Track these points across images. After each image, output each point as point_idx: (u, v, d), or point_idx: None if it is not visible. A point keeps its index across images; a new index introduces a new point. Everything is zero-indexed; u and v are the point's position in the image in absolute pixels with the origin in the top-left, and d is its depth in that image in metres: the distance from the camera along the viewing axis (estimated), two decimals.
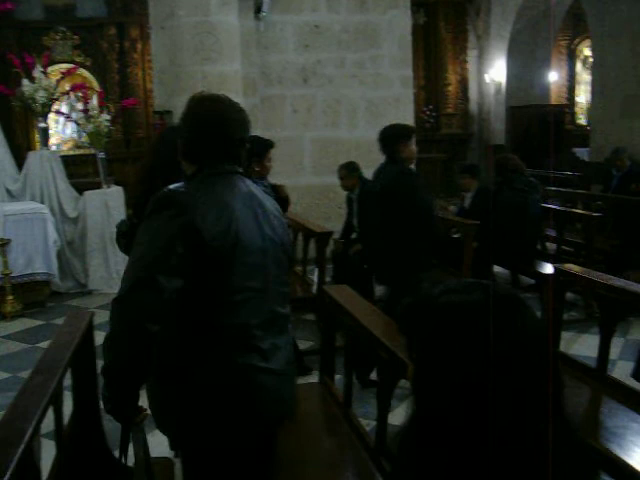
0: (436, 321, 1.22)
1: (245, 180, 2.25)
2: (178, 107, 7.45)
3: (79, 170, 10.56)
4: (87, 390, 3.12)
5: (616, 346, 3.82)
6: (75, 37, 12.18)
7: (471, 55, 14.73)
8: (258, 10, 8.18)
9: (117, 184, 8.47)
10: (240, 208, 2.11)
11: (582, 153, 12.98)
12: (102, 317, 3.68)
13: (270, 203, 2.30)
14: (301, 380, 4.28)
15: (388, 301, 4.72)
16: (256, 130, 8.03)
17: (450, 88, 14.65)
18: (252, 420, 2.11)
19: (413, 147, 4.72)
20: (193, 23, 7.44)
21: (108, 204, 7.77)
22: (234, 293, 2.06)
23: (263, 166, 4.57)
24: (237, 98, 7.57)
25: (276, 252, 2.20)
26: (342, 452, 2.86)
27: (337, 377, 3.70)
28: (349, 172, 6.49)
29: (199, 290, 2.03)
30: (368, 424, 3.60)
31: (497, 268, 7.06)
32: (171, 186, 2.13)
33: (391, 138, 4.74)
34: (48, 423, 2.54)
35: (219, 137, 2.19)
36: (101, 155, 8.11)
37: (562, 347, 4.31)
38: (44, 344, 5.32)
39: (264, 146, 4.65)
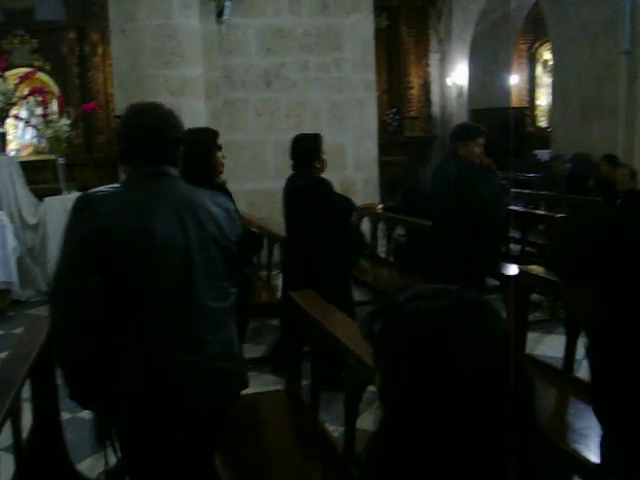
0: (403, 329, 1.19)
1: (175, 181, 2.32)
2: None
3: (39, 176, 10.36)
4: (47, 402, 3.04)
5: (581, 346, 3.83)
6: (34, 41, 12.00)
7: (433, 58, 14.81)
8: (220, 13, 8.12)
9: (78, 190, 8.33)
10: (160, 209, 2.20)
11: (543, 155, 13.13)
12: None
13: (208, 202, 2.34)
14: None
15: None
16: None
17: (413, 91, 14.71)
18: (168, 410, 2.17)
19: (472, 148, 5.03)
20: (154, 26, 7.35)
21: (69, 210, 7.62)
22: (151, 290, 2.15)
23: (322, 161, 4.81)
24: (199, 102, 7.59)
25: (206, 250, 2.24)
26: (310, 460, 2.82)
27: (303, 383, 3.67)
28: None
29: (118, 288, 2.13)
30: (336, 430, 3.57)
31: None
32: (95, 189, 2.33)
33: (452, 136, 5.23)
34: (6, 437, 2.47)
35: (149, 141, 2.28)
36: (61, 160, 7.98)
37: (528, 348, 4.32)
38: (4, 355, 5.20)
39: (317, 141, 4.91)
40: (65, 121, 7.90)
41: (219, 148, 3.77)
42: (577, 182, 8.52)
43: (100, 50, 12.28)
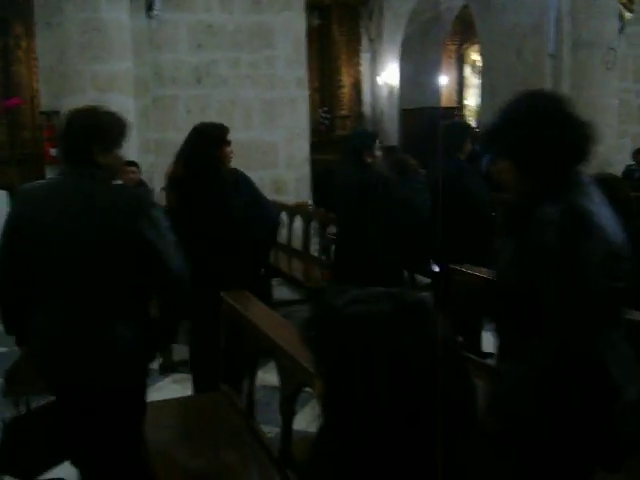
0: (342, 334, 1.18)
1: (79, 179, 2.55)
2: (66, 107, 7.16)
3: None
4: None
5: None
6: None
7: (364, 58, 14.92)
8: (149, 8, 7.98)
9: (1, 188, 8.07)
10: (53, 202, 2.52)
11: None
12: None
13: (110, 204, 2.51)
14: None
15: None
16: (148, 131, 7.89)
17: (344, 90, 14.79)
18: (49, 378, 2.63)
19: (468, 146, 5.42)
20: (81, 20, 7.16)
21: None
22: (38, 272, 2.54)
23: (373, 156, 4.97)
24: (128, 98, 7.44)
25: (88, 245, 2.47)
26: (246, 464, 2.79)
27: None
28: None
29: (22, 264, 2.58)
30: (271, 431, 3.54)
31: None
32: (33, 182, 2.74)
33: (454, 136, 5.49)
34: None
35: (61, 144, 2.65)
36: None
37: None
38: None
39: (370, 137, 5.10)
40: None
41: (228, 143, 4.05)
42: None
43: (24, 43, 11.89)
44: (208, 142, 4.00)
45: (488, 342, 5.01)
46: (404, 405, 1.13)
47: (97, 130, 2.57)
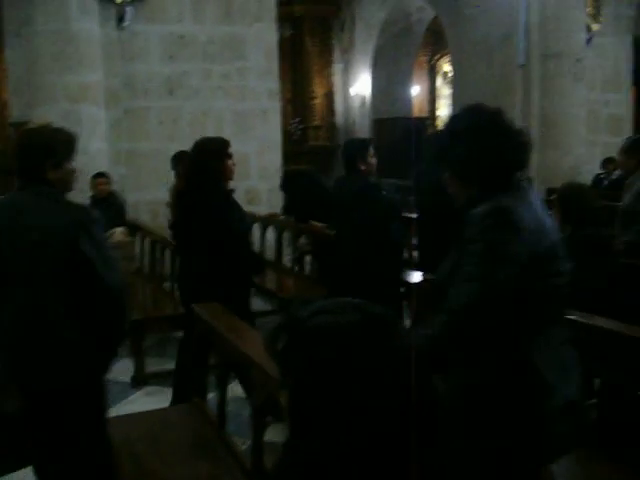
0: (308, 345, 1.18)
1: (27, 195, 2.64)
2: (37, 118, 7.11)
3: None
4: None
5: None
6: None
7: (337, 68, 14.99)
8: (121, 19, 7.95)
9: None
10: (6, 222, 2.61)
11: None
12: None
13: (50, 220, 2.58)
14: None
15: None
16: (119, 143, 7.84)
17: (317, 101, 14.84)
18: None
19: None
20: (52, 31, 7.13)
21: None
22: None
23: (367, 164, 4.88)
24: (99, 110, 7.39)
25: (29, 260, 2.54)
26: (218, 476, 2.78)
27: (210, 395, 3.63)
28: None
29: None
30: (244, 442, 3.53)
31: None
32: None
33: (439, 146, 5.43)
34: None
35: (21, 163, 2.69)
36: None
37: None
38: None
39: (363, 144, 5.06)
40: None
41: (229, 156, 4.07)
42: None
43: None
44: (207, 156, 4.03)
45: None
46: (370, 415, 1.14)
47: (47, 148, 2.67)
